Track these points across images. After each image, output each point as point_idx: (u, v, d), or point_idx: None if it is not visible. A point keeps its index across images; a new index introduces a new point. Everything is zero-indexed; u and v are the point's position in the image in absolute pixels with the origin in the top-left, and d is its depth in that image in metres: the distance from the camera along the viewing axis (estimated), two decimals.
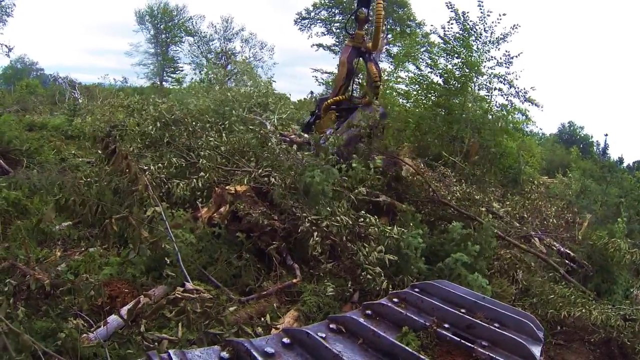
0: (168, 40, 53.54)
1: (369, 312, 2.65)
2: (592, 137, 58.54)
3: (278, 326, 3.97)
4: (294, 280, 5.61)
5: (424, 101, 15.72)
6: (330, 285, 5.33)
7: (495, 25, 15.14)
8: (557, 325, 7.07)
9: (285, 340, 2.13)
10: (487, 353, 2.17)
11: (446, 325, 2.53)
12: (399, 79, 16.45)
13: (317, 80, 40.78)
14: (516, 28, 15.20)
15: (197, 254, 6.44)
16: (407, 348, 2.08)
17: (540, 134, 38.76)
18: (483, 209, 8.19)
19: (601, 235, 8.42)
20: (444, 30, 16.01)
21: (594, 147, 50.08)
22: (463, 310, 2.77)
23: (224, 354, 1.84)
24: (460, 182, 9.61)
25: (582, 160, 28.35)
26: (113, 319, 4.78)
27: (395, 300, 2.82)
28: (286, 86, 75.85)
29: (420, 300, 2.75)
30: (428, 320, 2.58)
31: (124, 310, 4.62)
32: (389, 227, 5.79)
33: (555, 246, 8.87)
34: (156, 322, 4.78)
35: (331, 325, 2.39)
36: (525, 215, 9.29)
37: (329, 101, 8.86)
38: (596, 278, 8.50)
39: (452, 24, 15.82)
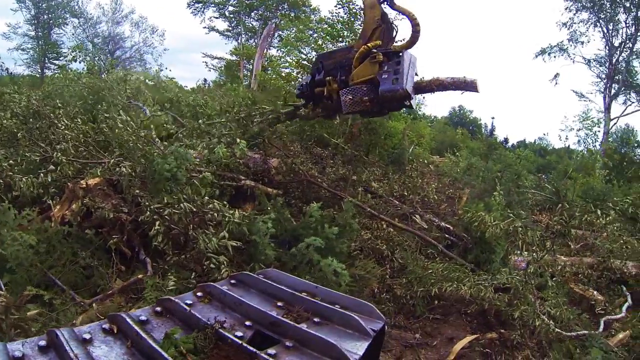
0: (51, 21, 46.69)
1: (159, 309, 2.26)
2: (480, 119, 62.62)
3: None
4: (140, 276, 5.13)
5: None
6: (172, 278, 4.88)
7: None
8: (434, 300, 7.09)
9: (42, 343, 1.84)
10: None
11: (248, 323, 2.18)
12: (286, 63, 16.23)
13: (207, 65, 39.93)
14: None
15: (45, 255, 5.82)
16: (163, 353, 1.71)
17: (432, 117, 40.53)
18: (360, 189, 8.08)
19: (467, 209, 8.62)
20: (331, 14, 16.03)
21: (482, 129, 53.47)
22: (280, 304, 2.45)
23: None
24: (337, 163, 9.48)
25: (471, 141, 29.78)
26: None
27: (199, 294, 2.44)
28: (180, 74, 72.76)
29: (224, 294, 2.38)
30: (232, 317, 2.23)
31: None
32: (231, 212, 5.42)
33: (435, 222, 8.98)
34: None
35: (104, 326, 2.03)
36: (406, 194, 9.35)
37: (369, 45, 7.19)
38: (475, 249, 8.71)
39: (339, 8, 15.84)
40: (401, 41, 7.81)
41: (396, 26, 7.74)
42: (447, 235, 8.83)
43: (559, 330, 6.40)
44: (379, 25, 7.53)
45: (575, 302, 7.95)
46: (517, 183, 13.92)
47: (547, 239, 7.72)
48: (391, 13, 7.85)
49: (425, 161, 14.07)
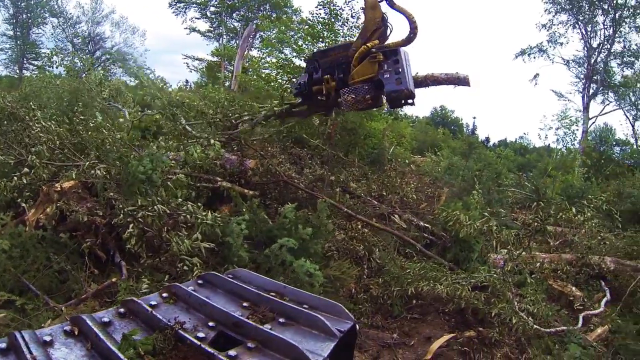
0: (30, 21, 45.13)
1: (122, 310, 2.21)
2: (462, 119, 63.20)
3: None
4: (113, 279, 5.05)
5: (287, 85, 15.52)
6: (146, 281, 4.82)
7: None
8: (412, 300, 7.09)
9: (2, 345, 1.83)
10: None
11: (211, 324, 2.15)
12: (266, 64, 16.18)
13: (188, 66, 40.03)
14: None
15: (18, 260, 5.72)
16: (120, 355, 1.69)
17: (414, 117, 40.81)
18: (338, 190, 8.06)
19: (443, 208, 8.65)
20: (312, 15, 16.02)
21: (464, 129, 54.08)
22: (246, 304, 2.42)
23: None
24: (316, 164, 9.44)
25: (453, 140, 30.02)
26: None
27: (164, 295, 2.40)
28: (164, 75, 71.63)
29: (189, 295, 2.35)
30: (196, 317, 2.21)
31: None
32: (204, 213, 5.38)
33: (414, 221, 8.99)
34: None
35: (66, 328, 1.99)
36: (385, 193, 9.35)
37: (368, 45, 7.11)
38: (454, 248, 8.73)
39: (320, 8, 15.83)
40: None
41: (391, 24, 7.79)
42: (425, 235, 8.85)
43: (537, 326, 6.42)
44: (379, 27, 7.40)
45: (554, 298, 8.00)
46: (497, 182, 14.03)
47: (524, 236, 7.76)
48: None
49: (406, 161, 14.08)
